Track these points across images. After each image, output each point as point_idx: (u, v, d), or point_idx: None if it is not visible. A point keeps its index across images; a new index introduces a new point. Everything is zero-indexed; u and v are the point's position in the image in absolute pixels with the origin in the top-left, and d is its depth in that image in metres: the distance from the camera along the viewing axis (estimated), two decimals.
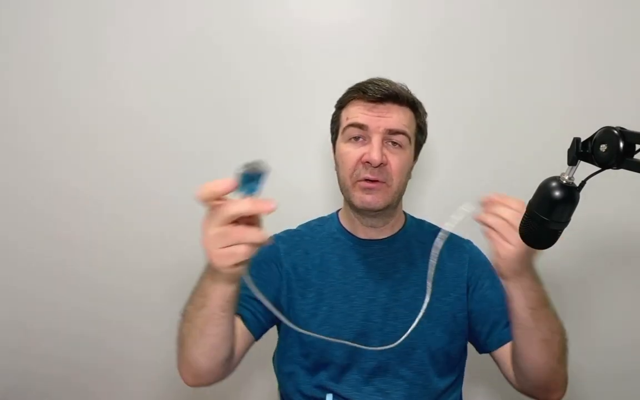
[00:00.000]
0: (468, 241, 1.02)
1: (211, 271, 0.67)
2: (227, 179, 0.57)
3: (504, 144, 1.26)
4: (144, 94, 1.27)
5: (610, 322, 1.33)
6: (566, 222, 0.65)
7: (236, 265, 0.59)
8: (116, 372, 1.40)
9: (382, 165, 0.87)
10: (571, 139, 0.62)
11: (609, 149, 0.57)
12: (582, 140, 0.61)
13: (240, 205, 0.57)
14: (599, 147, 0.58)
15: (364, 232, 0.97)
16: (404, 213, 1.04)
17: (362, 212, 0.92)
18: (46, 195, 1.31)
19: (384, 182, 0.89)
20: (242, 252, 0.58)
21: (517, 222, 0.66)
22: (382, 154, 0.87)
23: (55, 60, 1.27)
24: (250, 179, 0.58)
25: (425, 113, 0.98)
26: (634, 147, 0.56)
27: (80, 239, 1.33)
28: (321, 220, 1.04)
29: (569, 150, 0.62)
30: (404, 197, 0.97)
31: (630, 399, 1.36)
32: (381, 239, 0.97)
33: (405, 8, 1.23)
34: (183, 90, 1.27)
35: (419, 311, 0.88)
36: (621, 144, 0.56)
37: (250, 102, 1.27)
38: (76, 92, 1.27)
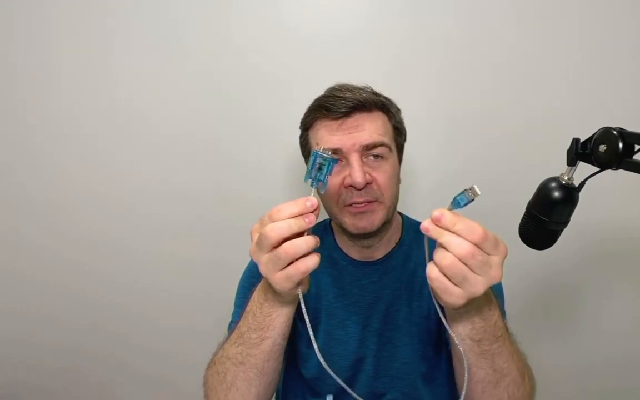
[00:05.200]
0: None
1: (272, 297, 0.67)
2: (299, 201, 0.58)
3: (503, 143, 1.25)
4: (149, 92, 1.27)
5: (610, 322, 1.33)
6: (565, 222, 0.65)
7: (297, 284, 0.59)
8: (122, 361, 1.41)
9: (367, 184, 0.79)
10: (570, 139, 0.62)
11: (608, 150, 0.57)
12: (582, 140, 0.61)
13: (280, 229, 0.56)
14: (598, 147, 0.58)
15: (358, 252, 0.91)
16: (402, 218, 0.98)
17: (357, 236, 0.85)
18: (54, 190, 1.31)
19: (375, 200, 0.81)
20: (298, 271, 0.57)
21: (476, 265, 0.53)
22: (365, 173, 0.78)
23: (63, 59, 1.26)
24: (321, 166, 0.60)
25: (398, 110, 0.89)
26: (633, 147, 0.56)
27: (88, 233, 1.33)
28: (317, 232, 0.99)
29: (568, 151, 0.63)
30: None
31: (629, 397, 1.36)
32: (375, 261, 0.90)
33: (405, 10, 1.22)
34: (188, 89, 1.26)
35: (412, 335, 0.87)
36: (620, 145, 0.56)
37: (254, 101, 1.27)
38: (83, 90, 1.27)
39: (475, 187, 0.55)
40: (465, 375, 0.64)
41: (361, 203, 0.80)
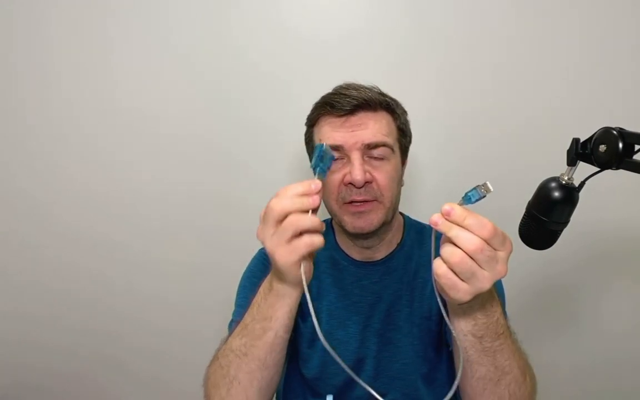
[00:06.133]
0: None
1: (276, 286, 0.67)
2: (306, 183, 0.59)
3: (503, 143, 1.25)
4: (149, 92, 1.27)
5: (610, 322, 1.33)
6: (565, 222, 0.64)
7: (301, 259, 0.59)
8: (121, 362, 1.41)
9: (367, 183, 0.80)
10: (570, 139, 0.62)
11: (608, 150, 0.57)
12: (582, 140, 0.61)
13: (284, 202, 0.58)
14: (598, 147, 0.58)
15: (358, 252, 0.91)
16: (404, 219, 0.98)
17: (355, 236, 0.86)
18: (54, 191, 1.31)
19: (374, 200, 0.81)
20: (302, 243, 0.58)
21: (483, 260, 0.53)
22: (365, 171, 0.79)
23: (63, 59, 1.26)
24: (323, 159, 0.61)
25: (404, 112, 0.89)
26: (633, 147, 0.56)
27: (87, 234, 1.33)
28: None
29: (568, 151, 0.62)
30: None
31: (629, 397, 1.36)
32: (376, 261, 0.90)
33: (407, 11, 1.22)
34: (186, 91, 1.26)
35: (412, 335, 0.87)
36: (620, 145, 0.56)
37: (255, 101, 1.27)
38: (82, 92, 1.27)
39: (488, 183, 0.54)
40: (459, 367, 0.64)
41: (360, 202, 0.80)
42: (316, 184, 0.59)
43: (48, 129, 1.29)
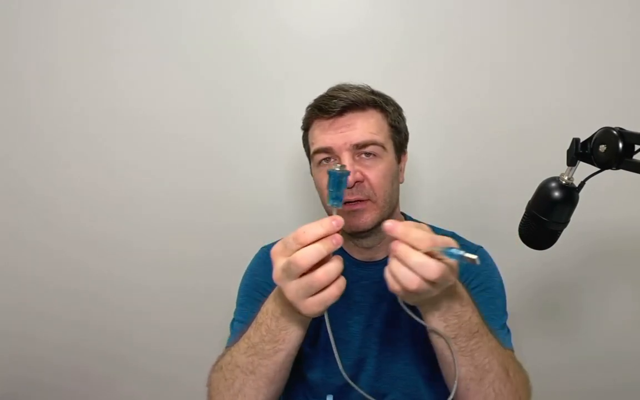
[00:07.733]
0: (479, 247, 0.92)
1: (289, 313, 0.64)
2: (326, 221, 0.56)
3: (503, 143, 1.25)
4: (149, 93, 1.27)
5: (610, 322, 1.33)
6: (565, 222, 0.65)
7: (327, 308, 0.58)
8: (123, 361, 1.41)
9: (358, 183, 0.80)
10: (570, 139, 0.62)
11: (608, 150, 0.57)
12: (582, 140, 0.61)
13: (311, 256, 0.54)
14: (598, 147, 0.59)
15: (359, 253, 0.91)
16: (405, 219, 0.97)
17: (353, 235, 0.87)
18: (57, 190, 1.31)
19: (368, 199, 0.81)
20: (332, 295, 0.56)
21: (422, 271, 0.54)
22: (355, 171, 0.79)
23: (62, 59, 1.26)
24: (340, 181, 0.58)
25: (397, 108, 0.88)
26: (633, 147, 0.56)
27: (87, 233, 1.34)
28: None
29: (568, 151, 0.63)
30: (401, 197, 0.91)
31: (629, 397, 1.36)
32: (378, 261, 0.90)
33: (406, 11, 1.22)
34: (185, 90, 1.27)
35: (414, 336, 0.86)
36: (620, 145, 0.56)
37: (254, 102, 1.27)
38: (83, 91, 1.27)
39: (477, 259, 0.51)
40: (455, 369, 0.65)
41: (353, 201, 0.81)
42: (337, 221, 0.56)
43: (50, 129, 1.29)
